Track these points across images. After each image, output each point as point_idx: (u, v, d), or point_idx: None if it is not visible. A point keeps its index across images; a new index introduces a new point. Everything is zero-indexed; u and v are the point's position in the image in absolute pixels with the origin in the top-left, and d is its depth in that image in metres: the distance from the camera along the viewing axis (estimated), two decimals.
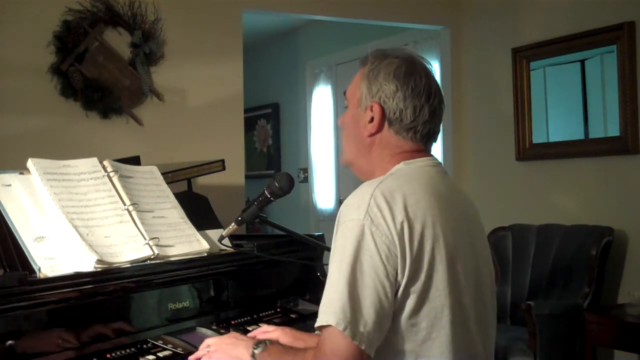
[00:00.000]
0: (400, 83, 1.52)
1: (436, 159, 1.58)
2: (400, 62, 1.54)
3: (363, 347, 1.35)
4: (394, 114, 1.52)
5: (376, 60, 1.56)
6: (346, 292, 1.36)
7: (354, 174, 1.66)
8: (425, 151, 1.58)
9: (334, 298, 1.37)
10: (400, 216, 1.39)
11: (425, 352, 1.41)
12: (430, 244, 1.41)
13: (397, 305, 1.40)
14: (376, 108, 1.53)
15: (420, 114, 1.52)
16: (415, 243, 1.39)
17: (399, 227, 1.38)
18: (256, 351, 1.56)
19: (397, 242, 1.38)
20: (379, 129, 1.54)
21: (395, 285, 1.39)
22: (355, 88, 1.58)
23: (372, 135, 1.55)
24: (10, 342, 1.54)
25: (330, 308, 1.37)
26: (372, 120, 1.54)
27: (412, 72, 1.53)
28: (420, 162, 1.54)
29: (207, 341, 1.71)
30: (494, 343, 1.58)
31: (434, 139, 1.59)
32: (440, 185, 1.52)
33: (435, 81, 1.58)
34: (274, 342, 1.62)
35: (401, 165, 1.53)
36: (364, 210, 1.40)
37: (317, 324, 1.40)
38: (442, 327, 1.42)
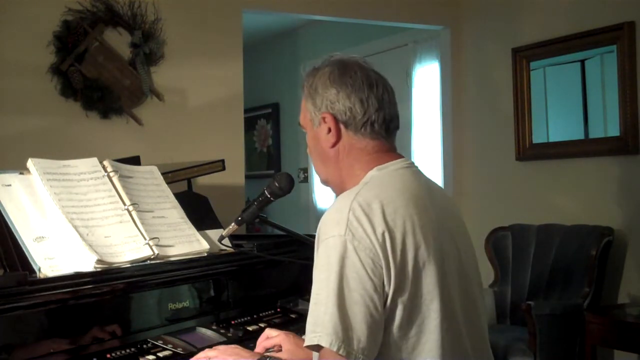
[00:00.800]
0: (338, 85, 1.54)
1: (409, 160, 1.58)
2: (331, 68, 1.57)
3: None
4: (345, 114, 1.54)
5: (310, 78, 1.59)
6: (336, 311, 1.35)
7: None
8: (393, 150, 1.58)
9: (324, 318, 1.36)
10: (380, 227, 1.38)
11: (415, 358, 1.41)
12: (412, 251, 1.40)
13: (387, 316, 1.39)
14: (328, 117, 1.55)
15: (369, 104, 1.53)
16: (398, 252, 1.38)
17: (380, 238, 1.38)
18: None
19: (380, 254, 1.37)
20: (338, 136, 1.55)
21: (383, 296, 1.38)
22: (304, 112, 1.61)
23: (334, 145, 1.56)
24: (10, 342, 1.53)
25: (322, 329, 1.35)
26: (329, 131, 1.55)
27: (345, 71, 1.55)
28: (392, 165, 1.53)
29: (207, 352, 1.70)
30: (486, 334, 1.58)
31: (393, 126, 1.58)
32: (416, 187, 1.51)
33: (373, 71, 1.59)
34: None
35: (374, 171, 1.52)
36: (344, 225, 1.39)
37: (307, 343, 1.39)
38: (431, 332, 1.41)
